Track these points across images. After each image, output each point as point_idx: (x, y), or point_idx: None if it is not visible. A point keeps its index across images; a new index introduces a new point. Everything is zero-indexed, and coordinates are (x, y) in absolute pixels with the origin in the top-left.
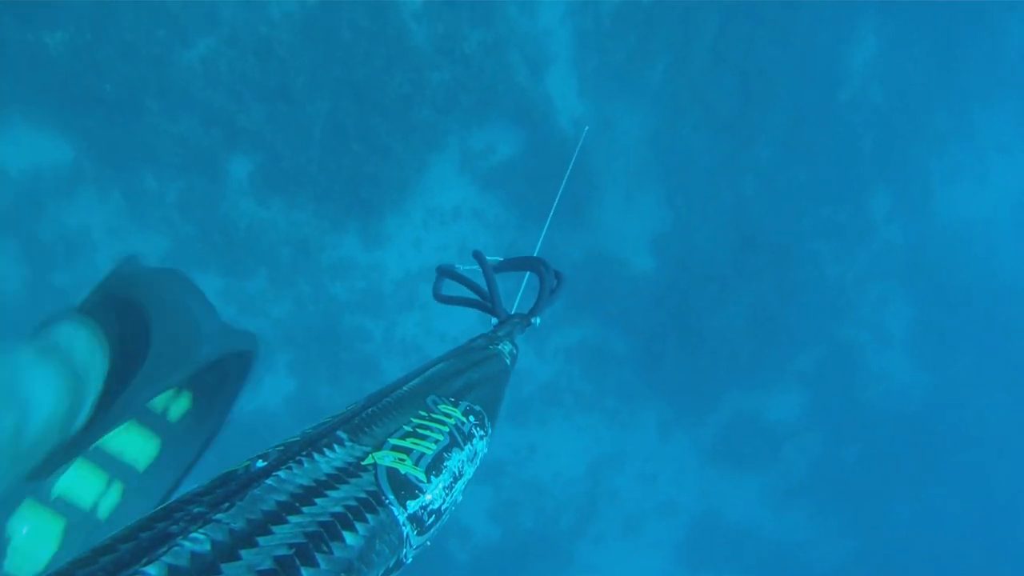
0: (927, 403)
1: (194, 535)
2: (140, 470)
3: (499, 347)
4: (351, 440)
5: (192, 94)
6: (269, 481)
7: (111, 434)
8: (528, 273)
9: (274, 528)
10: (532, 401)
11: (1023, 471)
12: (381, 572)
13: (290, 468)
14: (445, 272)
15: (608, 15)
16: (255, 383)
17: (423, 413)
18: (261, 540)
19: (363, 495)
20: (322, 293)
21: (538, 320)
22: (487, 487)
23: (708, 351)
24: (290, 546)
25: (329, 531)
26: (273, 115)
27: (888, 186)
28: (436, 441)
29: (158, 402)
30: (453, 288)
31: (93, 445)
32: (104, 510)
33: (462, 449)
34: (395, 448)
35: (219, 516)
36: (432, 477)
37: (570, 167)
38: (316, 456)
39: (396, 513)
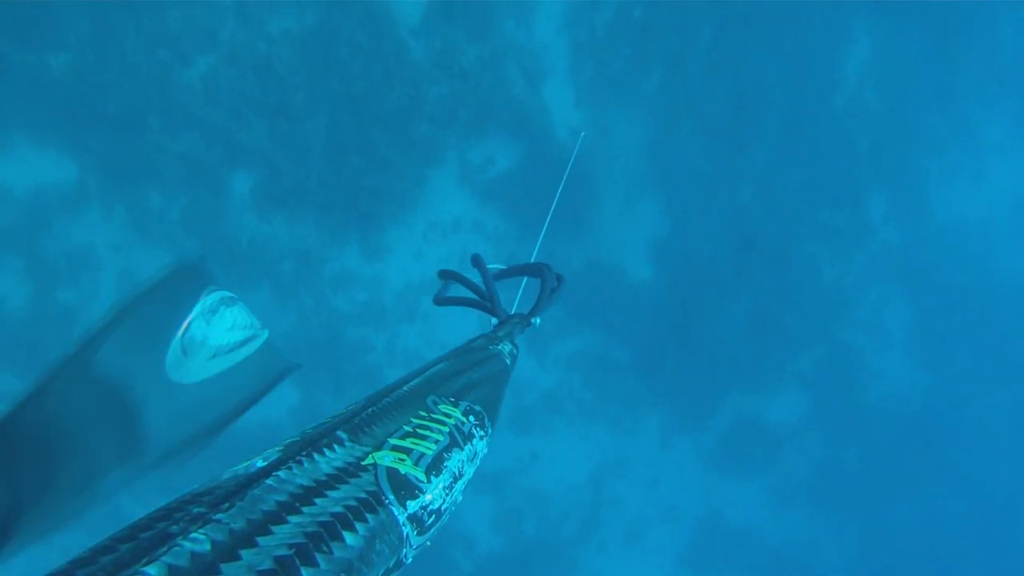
0: (927, 403)
1: (194, 535)
2: None
3: (499, 347)
4: (351, 440)
5: (193, 112)
6: (269, 481)
7: None
8: (528, 276)
9: (274, 528)
10: (534, 409)
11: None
12: (381, 572)
13: (290, 468)
14: (448, 275)
15: (603, 26)
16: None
17: (423, 413)
18: (261, 540)
19: (363, 495)
20: (324, 306)
21: (538, 320)
22: (490, 495)
23: (708, 356)
24: (290, 546)
25: (329, 531)
26: (273, 131)
27: (885, 188)
28: (436, 441)
29: None
30: (454, 291)
31: None
32: None
33: (462, 449)
34: (395, 448)
35: (219, 516)
36: (432, 477)
37: (566, 173)
38: (316, 456)
39: (396, 513)
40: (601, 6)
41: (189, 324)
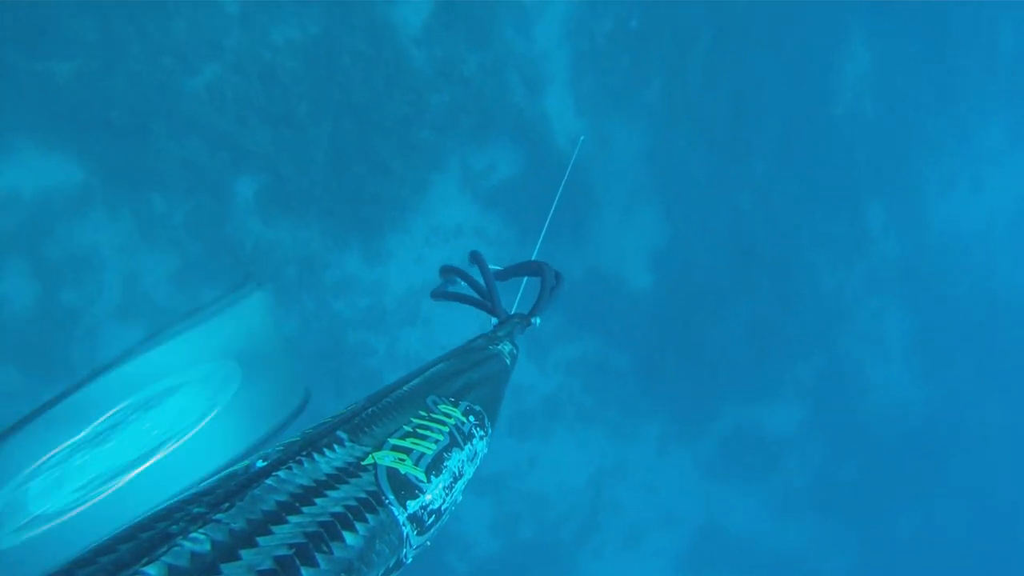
0: (925, 414)
1: (194, 535)
2: None
3: (499, 347)
4: (351, 440)
5: (198, 119)
6: (269, 481)
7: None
8: (527, 275)
9: (274, 528)
10: (534, 414)
11: (1021, 481)
12: (381, 572)
13: (290, 468)
14: (450, 271)
15: (603, 36)
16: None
17: (423, 413)
18: (261, 540)
19: (363, 495)
20: (326, 310)
21: (538, 320)
22: (487, 498)
23: (707, 364)
24: (290, 546)
25: (329, 531)
26: (277, 138)
27: (884, 198)
28: (436, 441)
29: None
30: (453, 288)
31: None
32: None
33: (462, 449)
34: (395, 448)
35: (219, 516)
36: (432, 477)
37: (566, 175)
38: (316, 456)
39: (396, 513)
40: (601, 15)
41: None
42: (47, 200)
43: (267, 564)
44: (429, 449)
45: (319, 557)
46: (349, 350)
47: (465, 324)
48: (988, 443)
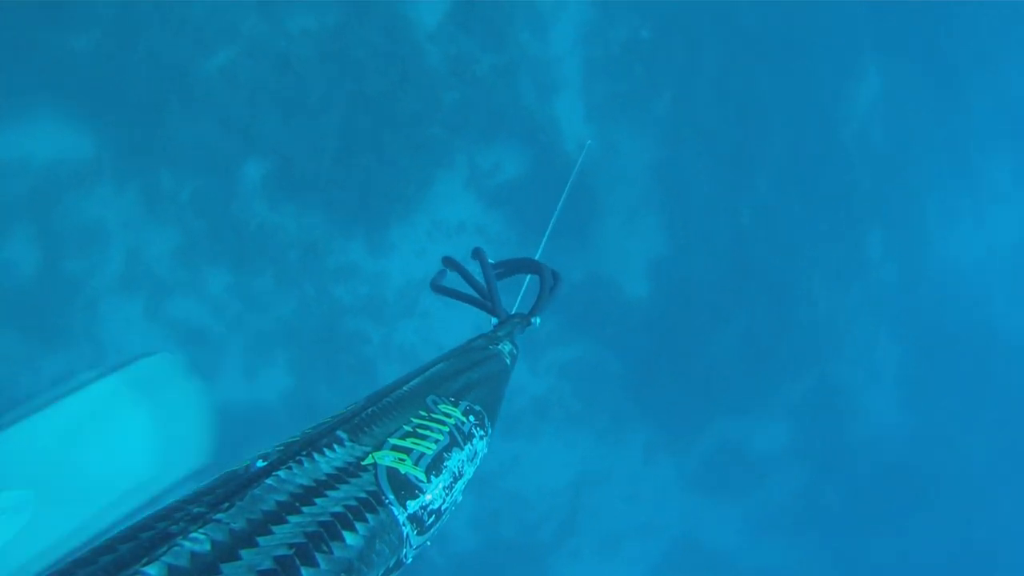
0: (910, 442)
1: (194, 535)
2: None
3: (499, 347)
4: (351, 440)
5: (211, 100)
6: (269, 481)
7: None
8: (529, 275)
9: (274, 528)
10: (522, 414)
11: (1002, 519)
12: (381, 572)
13: (290, 468)
14: (450, 264)
15: (617, 45)
16: None
17: (423, 413)
18: (261, 540)
19: (363, 495)
20: (325, 296)
21: (538, 320)
22: (470, 495)
23: (698, 377)
24: (290, 546)
25: (329, 531)
26: (288, 124)
27: (885, 225)
28: (436, 441)
29: None
30: (453, 283)
31: None
32: None
33: (462, 449)
34: (395, 448)
35: (219, 516)
36: (432, 477)
37: (572, 177)
38: (316, 456)
39: (396, 513)
40: (617, 24)
41: None
42: (57, 170)
43: (267, 564)
44: (429, 449)
45: (319, 557)
46: (344, 337)
47: (462, 319)
48: (971, 476)
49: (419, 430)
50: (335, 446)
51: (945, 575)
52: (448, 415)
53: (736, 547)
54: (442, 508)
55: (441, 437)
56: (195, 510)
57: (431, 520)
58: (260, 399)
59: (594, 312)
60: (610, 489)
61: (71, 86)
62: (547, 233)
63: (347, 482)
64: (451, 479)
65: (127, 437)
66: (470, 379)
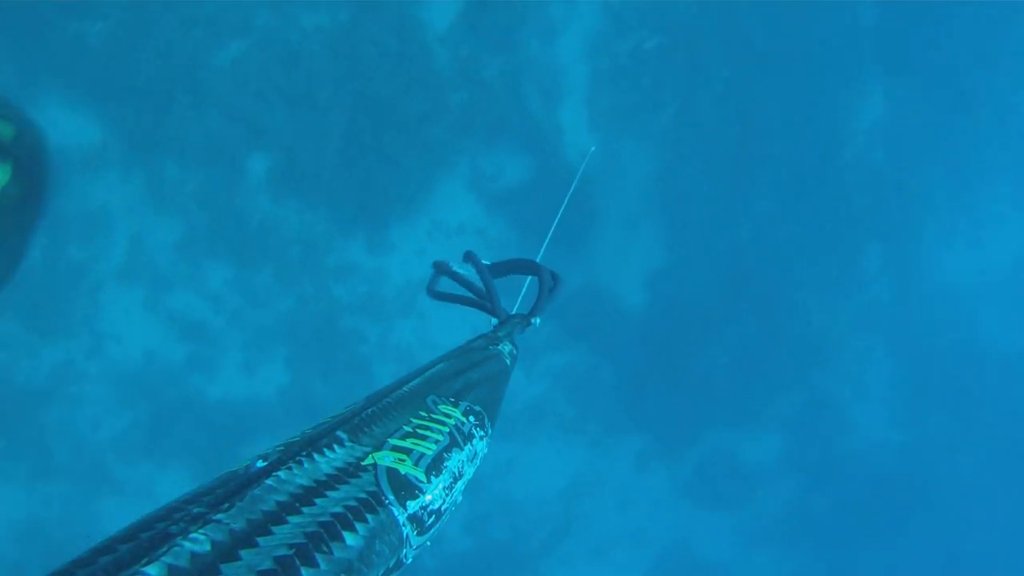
0: (901, 458)
1: (194, 535)
2: None
3: (499, 347)
4: (351, 440)
5: (220, 92)
6: (269, 481)
7: None
8: (529, 276)
9: (274, 528)
10: (516, 418)
11: (991, 532)
12: (381, 572)
13: (290, 468)
14: (441, 270)
15: (624, 57)
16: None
17: (423, 413)
18: (261, 540)
19: (363, 495)
20: (324, 293)
21: (538, 320)
22: (464, 498)
23: (692, 388)
24: (290, 546)
25: (329, 531)
26: (295, 120)
27: (881, 244)
28: (436, 441)
29: None
30: (450, 287)
31: None
32: None
33: (462, 449)
34: (395, 448)
35: (219, 516)
36: (432, 477)
37: (575, 183)
38: (316, 456)
39: (396, 513)
40: (625, 36)
41: None
42: (64, 155)
43: (267, 564)
44: (429, 449)
45: (319, 557)
46: (342, 334)
47: (459, 320)
48: (961, 490)
49: (419, 430)
50: (335, 446)
51: None
52: (448, 415)
53: (727, 557)
54: (442, 508)
55: (441, 437)
56: (195, 510)
57: (431, 520)
58: (258, 394)
59: (590, 319)
60: (602, 496)
61: (82, 72)
62: (548, 237)
63: (347, 482)
64: (451, 479)
65: None
66: (470, 379)
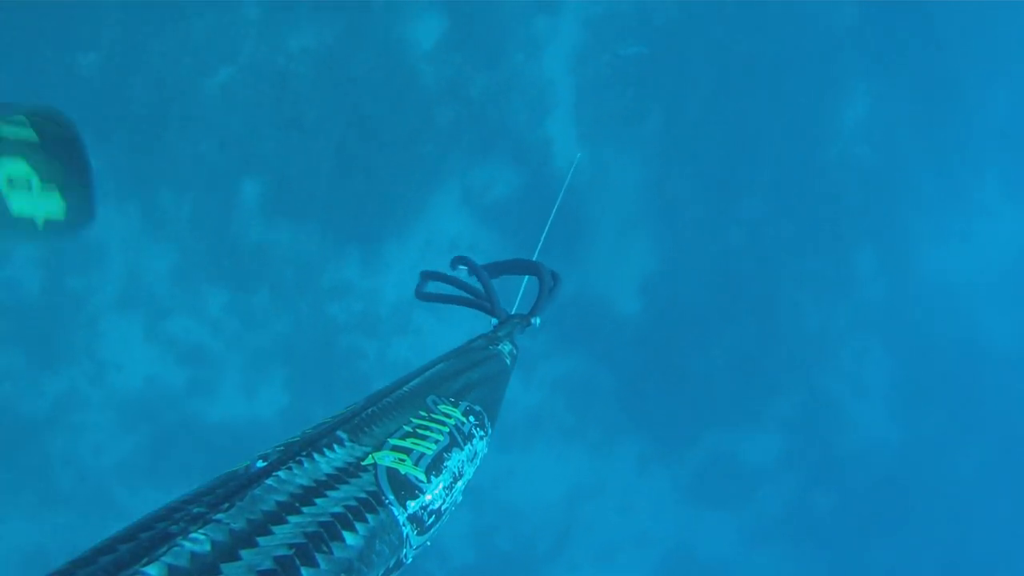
0: (901, 455)
1: (194, 535)
2: None
3: (499, 347)
4: (351, 440)
5: (210, 118)
6: (269, 481)
7: None
8: (520, 273)
9: (274, 528)
10: (515, 427)
11: (992, 529)
12: (381, 572)
13: (290, 468)
14: (430, 276)
15: (609, 68)
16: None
17: (423, 413)
18: (261, 540)
19: (363, 495)
20: (320, 313)
21: (538, 320)
22: (466, 509)
23: (690, 391)
24: (290, 546)
25: (329, 531)
26: (285, 143)
27: (874, 242)
28: (436, 441)
29: None
30: (442, 290)
31: None
32: None
33: (462, 449)
34: (395, 448)
35: (219, 516)
36: (432, 477)
37: (565, 186)
38: (316, 456)
39: (396, 513)
40: (608, 47)
41: None
42: None
43: (267, 564)
44: (429, 449)
45: (319, 557)
46: (340, 354)
47: (456, 333)
48: (961, 487)
49: (419, 430)
50: (335, 446)
51: None
52: (448, 415)
53: (730, 557)
54: (442, 508)
55: (441, 437)
56: (195, 510)
57: (431, 520)
58: (258, 416)
59: (586, 326)
60: (604, 501)
61: (73, 105)
62: (542, 239)
63: (347, 482)
64: (451, 479)
65: None
66: (470, 379)
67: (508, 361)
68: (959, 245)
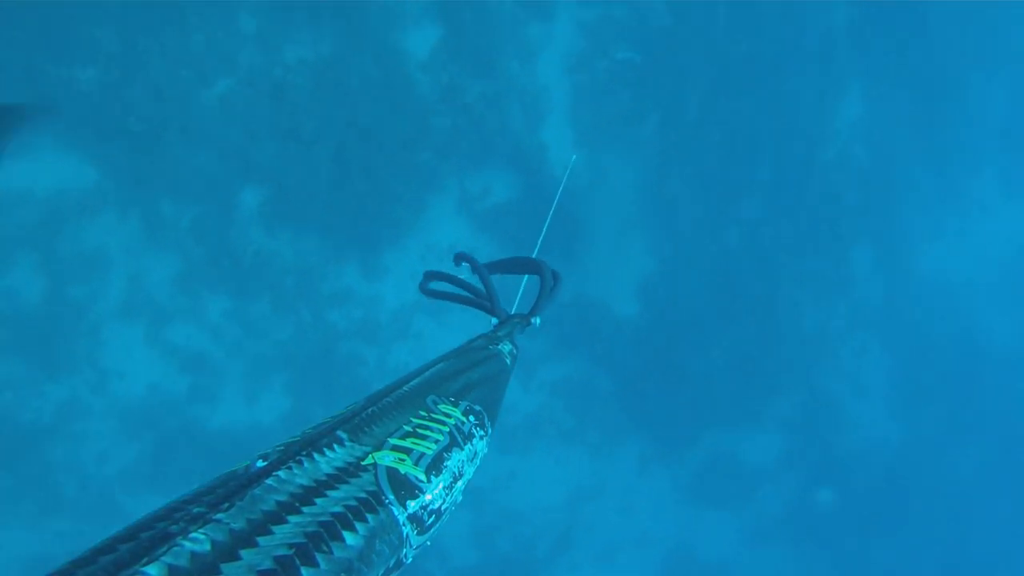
0: (900, 452)
1: (194, 535)
2: None
3: (499, 347)
4: (351, 440)
5: (210, 129)
6: (269, 481)
7: None
8: (520, 272)
9: (274, 528)
10: (516, 430)
11: (991, 526)
12: (381, 572)
13: (290, 468)
14: (433, 275)
15: (604, 73)
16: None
17: (423, 413)
18: (261, 540)
19: (363, 495)
20: (321, 320)
21: (538, 320)
22: (467, 511)
23: (690, 392)
24: (290, 546)
25: (329, 531)
26: (284, 152)
27: (871, 241)
28: (436, 441)
29: None
30: (445, 288)
31: None
32: None
33: (462, 449)
34: (395, 448)
35: (219, 516)
36: (432, 477)
37: (561, 187)
38: (316, 456)
39: (396, 513)
40: (602, 52)
41: None
42: (60, 199)
43: (267, 564)
44: (429, 449)
45: (319, 557)
46: (341, 359)
47: (456, 338)
48: (960, 484)
49: (419, 430)
50: (335, 446)
51: None
52: (448, 415)
53: (731, 556)
54: (442, 508)
55: (441, 437)
56: (195, 510)
57: (431, 520)
58: (260, 422)
59: (584, 329)
60: (605, 502)
61: (75, 116)
62: (539, 242)
63: (347, 482)
64: (451, 479)
65: None
66: (470, 379)
67: (508, 361)
68: (957, 243)
